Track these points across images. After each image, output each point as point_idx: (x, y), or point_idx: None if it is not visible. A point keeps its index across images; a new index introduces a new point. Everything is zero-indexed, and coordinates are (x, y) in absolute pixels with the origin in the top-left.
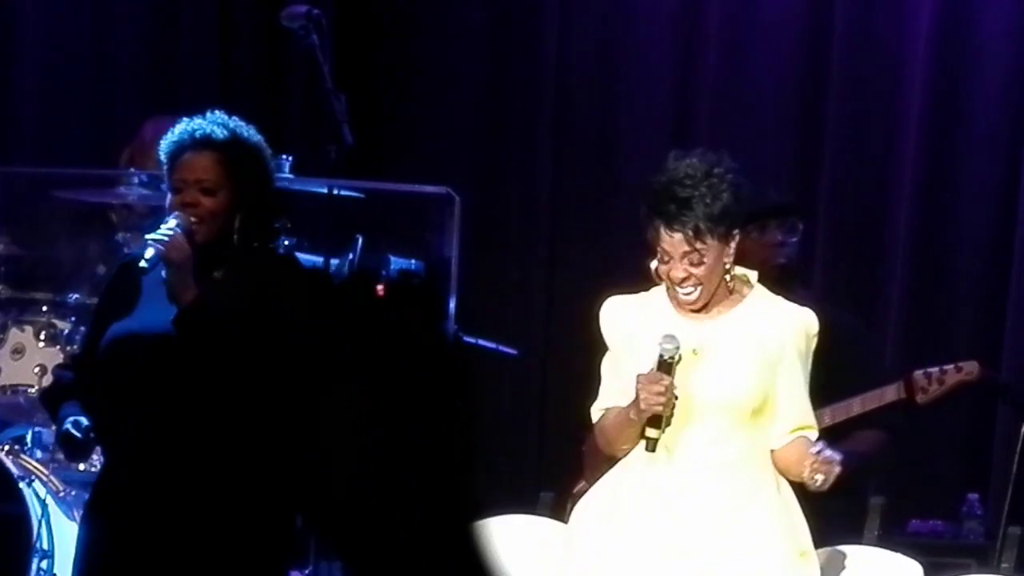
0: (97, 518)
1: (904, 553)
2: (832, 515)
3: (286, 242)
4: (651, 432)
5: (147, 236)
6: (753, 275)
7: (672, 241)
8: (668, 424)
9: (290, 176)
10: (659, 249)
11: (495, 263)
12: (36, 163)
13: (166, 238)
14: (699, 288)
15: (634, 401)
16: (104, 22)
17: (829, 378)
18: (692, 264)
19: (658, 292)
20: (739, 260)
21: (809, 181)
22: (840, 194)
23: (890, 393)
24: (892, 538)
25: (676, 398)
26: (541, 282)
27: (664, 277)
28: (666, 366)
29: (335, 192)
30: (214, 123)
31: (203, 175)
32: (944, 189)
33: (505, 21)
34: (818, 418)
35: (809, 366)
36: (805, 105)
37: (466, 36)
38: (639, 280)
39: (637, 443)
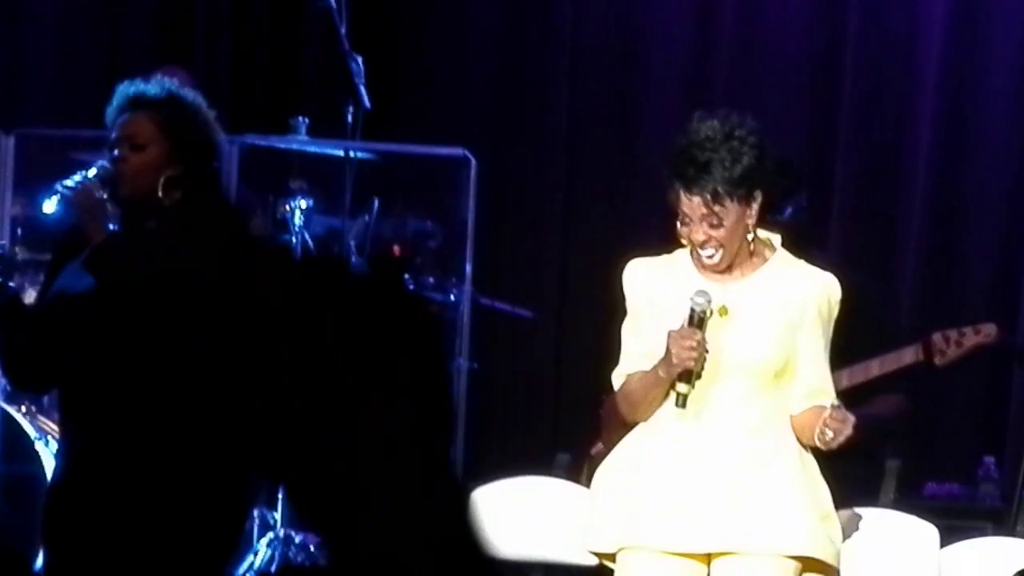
0: (58, 479)
1: (920, 516)
2: (849, 478)
3: (303, 204)
4: (681, 387)
5: (57, 184)
6: (776, 238)
7: (691, 204)
8: (698, 378)
9: (306, 138)
10: (680, 211)
11: (511, 225)
12: (52, 125)
13: (74, 184)
14: (720, 250)
15: (664, 358)
16: None
17: (845, 339)
18: (711, 226)
19: (681, 254)
20: None
21: (825, 144)
22: (856, 156)
23: (908, 355)
24: (908, 501)
25: (707, 352)
26: (556, 244)
27: (685, 239)
28: (698, 320)
29: (351, 154)
30: (153, 84)
31: (133, 130)
32: (960, 151)
33: None
34: (836, 380)
35: (831, 332)
36: (822, 70)
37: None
38: (654, 242)
39: (662, 404)
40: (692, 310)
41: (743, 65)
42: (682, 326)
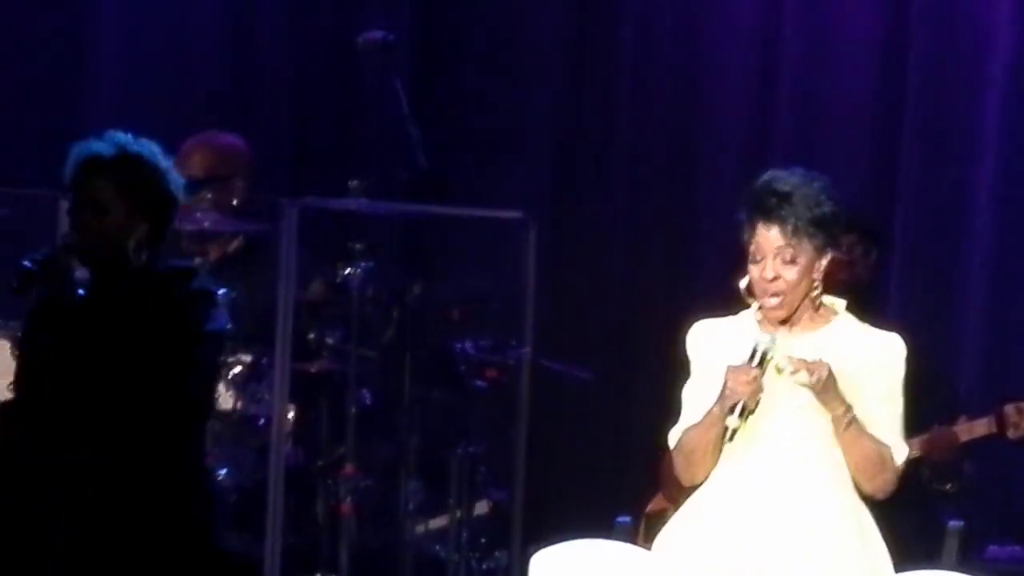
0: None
1: None
2: (909, 540)
3: (362, 266)
4: (732, 421)
5: (23, 260)
6: (841, 303)
7: (767, 235)
8: (751, 414)
9: (365, 201)
10: (752, 247)
11: (571, 287)
12: None
13: (40, 256)
14: (784, 296)
15: (720, 393)
16: (180, 44)
17: (909, 408)
18: (784, 262)
19: (745, 315)
20: None
21: (886, 203)
22: (917, 214)
23: (980, 427)
24: (970, 564)
25: (762, 390)
26: (617, 306)
27: (753, 281)
28: (759, 358)
29: (409, 216)
30: (107, 142)
31: (92, 194)
32: (1023, 211)
33: (580, 43)
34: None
35: (895, 387)
36: (883, 124)
37: (541, 58)
38: (716, 304)
39: (717, 454)
40: (755, 348)
41: (804, 122)
42: (742, 363)
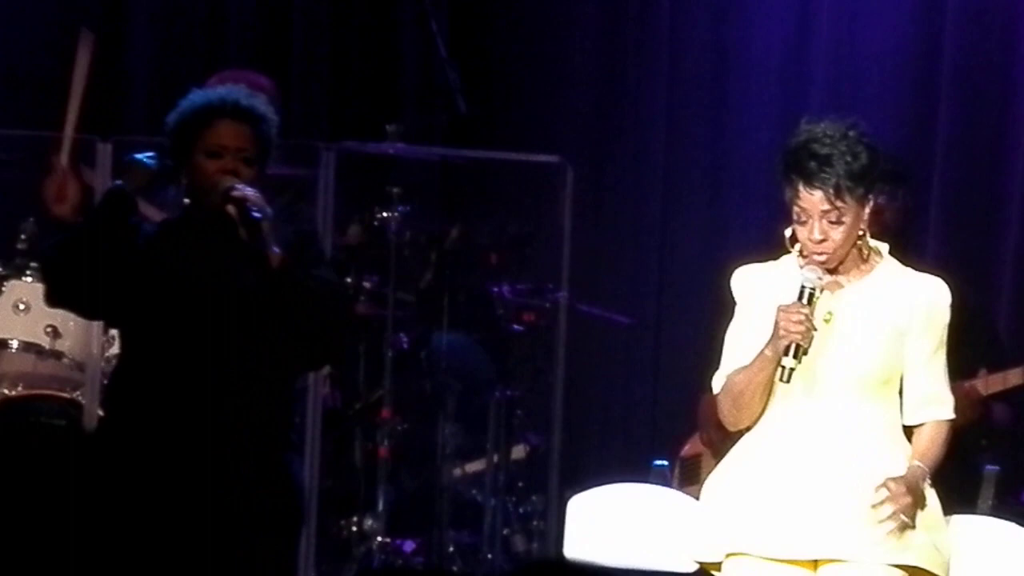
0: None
1: (1018, 523)
2: (946, 485)
3: (399, 210)
4: (788, 361)
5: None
6: (884, 247)
7: (811, 199)
8: (805, 354)
9: (403, 145)
10: (796, 209)
11: (608, 231)
12: (149, 132)
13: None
14: (831, 255)
15: (772, 334)
16: None
17: (949, 354)
18: (831, 223)
19: (787, 260)
20: None
21: (923, 155)
22: (954, 162)
23: (1014, 377)
24: (1006, 507)
25: (815, 329)
26: (654, 250)
27: (801, 240)
28: (808, 296)
29: (447, 160)
30: (248, 95)
31: (244, 144)
32: None
33: None
34: None
35: (943, 337)
36: (919, 80)
37: (579, 4)
38: (751, 248)
39: (765, 396)
40: (803, 286)
41: (841, 72)
42: (792, 302)
